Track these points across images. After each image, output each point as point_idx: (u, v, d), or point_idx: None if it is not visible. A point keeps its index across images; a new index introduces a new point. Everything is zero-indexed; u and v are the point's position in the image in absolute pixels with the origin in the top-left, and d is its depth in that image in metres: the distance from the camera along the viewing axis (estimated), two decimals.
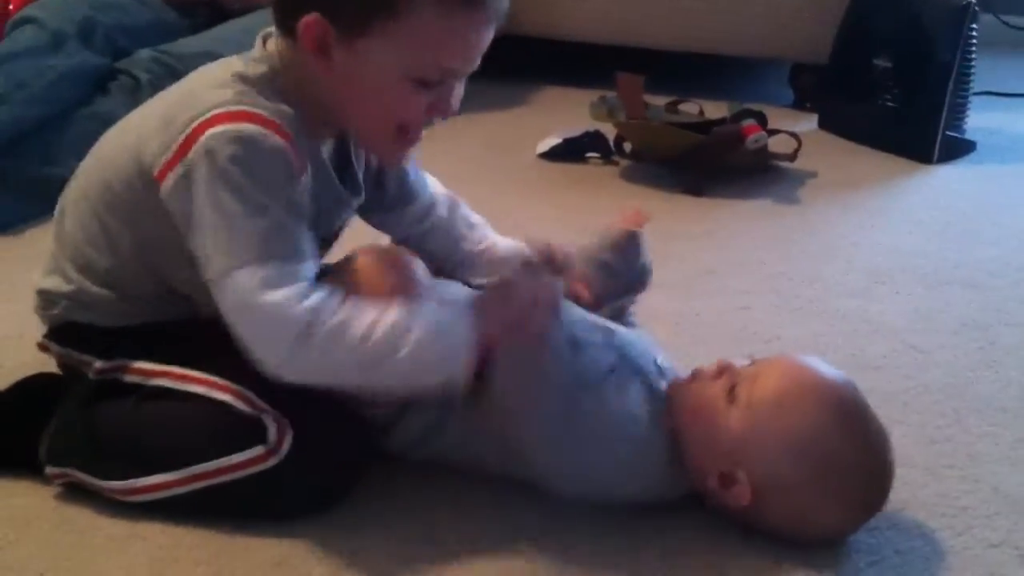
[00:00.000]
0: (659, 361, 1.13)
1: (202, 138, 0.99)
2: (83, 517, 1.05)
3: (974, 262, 1.77)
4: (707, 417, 1.04)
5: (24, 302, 1.18)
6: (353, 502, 1.08)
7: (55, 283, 1.13)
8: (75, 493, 1.08)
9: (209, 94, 1.02)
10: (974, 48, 2.28)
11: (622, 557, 1.02)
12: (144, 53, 1.99)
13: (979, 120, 2.44)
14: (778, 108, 2.55)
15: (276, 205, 0.99)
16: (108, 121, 1.46)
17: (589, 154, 2.24)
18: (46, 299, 1.14)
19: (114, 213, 1.08)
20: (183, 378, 1.07)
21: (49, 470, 1.08)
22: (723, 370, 1.06)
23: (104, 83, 1.95)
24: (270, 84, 1.04)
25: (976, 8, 2.24)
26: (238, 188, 0.98)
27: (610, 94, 2.18)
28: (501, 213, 1.36)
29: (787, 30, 2.60)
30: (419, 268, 1.14)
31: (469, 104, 1.23)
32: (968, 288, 1.66)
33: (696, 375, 1.08)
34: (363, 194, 1.18)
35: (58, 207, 1.16)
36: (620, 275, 1.24)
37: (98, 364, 1.10)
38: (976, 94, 2.41)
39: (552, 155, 2.22)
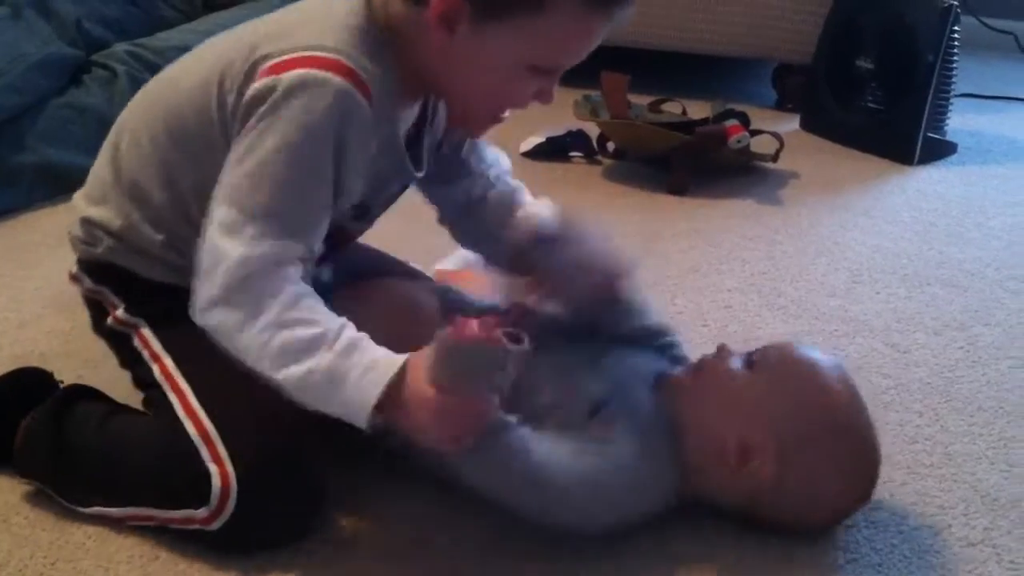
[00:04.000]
0: (655, 375, 1.11)
1: (287, 74, 0.95)
2: (62, 512, 1.05)
3: (955, 262, 1.78)
4: (726, 386, 1.06)
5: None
6: (340, 500, 1.08)
7: (104, 215, 1.08)
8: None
9: (306, 31, 0.98)
10: (956, 50, 2.29)
11: (608, 556, 1.02)
12: (120, 46, 1.98)
13: (960, 122, 2.46)
14: (761, 108, 2.55)
15: (320, 174, 0.96)
16: (81, 111, 1.46)
17: (572, 153, 2.24)
18: (90, 232, 1.10)
19: (179, 145, 1.04)
20: (168, 379, 1.05)
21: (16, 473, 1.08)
22: (728, 354, 1.09)
23: (78, 75, 1.94)
24: (371, 37, 0.99)
25: (958, 10, 2.25)
26: (297, 150, 0.94)
27: (594, 93, 2.17)
28: None
29: (771, 31, 2.60)
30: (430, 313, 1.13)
31: None
32: (949, 288, 1.67)
33: (700, 363, 1.10)
34: (424, 170, 1.14)
35: (113, 132, 1.11)
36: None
37: (120, 312, 1.09)
38: (958, 96, 2.42)
39: (535, 154, 2.22)
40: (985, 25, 3.37)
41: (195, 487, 0.98)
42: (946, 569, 1.03)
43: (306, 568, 0.99)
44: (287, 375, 0.92)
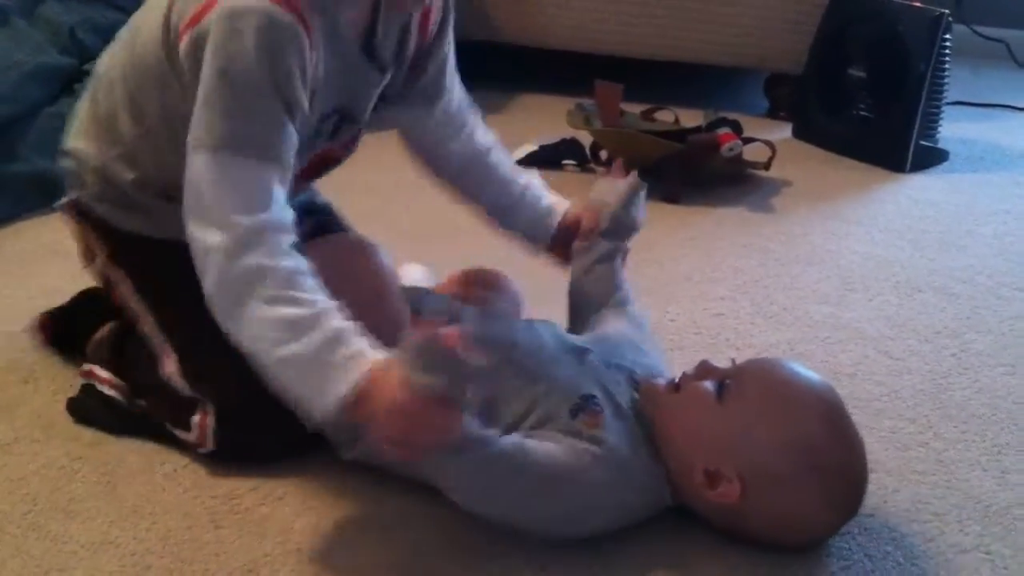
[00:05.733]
0: (636, 374, 1.12)
1: (218, 6, 0.97)
2: (54, 524, 1.04)
3: (947, 270, 1.78)
4: (696, 414, 1.04)
5: None
6: (324, 506, 1.08)
7: (85, 148, 1.16)
8: (47, 501, 1.07)
9: None
10: (947, 58, 2.29)
11: (600, 563, 1.02)
12: None
13: (952, 130, 2.46)
14: (753, 117, 2.56)
15: (272, 95, 0.98)
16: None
17: (565, 161, 2.24)
18: (74, 170, 1.18)
19: (140, 80, 1.10)
20: (153, 336, 1.16)
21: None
22: (707, 372, 1.07)
23: (71, 84, 1.94)
24: None
25: (949, 19, 2.26)
26: (240, 66, 0.97)
27: (587, 101, 2.18)
28: (476, 219, 1.36)
29: (763, 40, 2.61)
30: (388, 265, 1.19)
31: None
32: (941, 295, 1.68)
33: (680, 380, 1.09)
34: (389, 70, 1.15)
35: (94, 75, 1.19)
36: (620, 222, 1.28)
37: (102, 259, 1.19)
38: (949, 104, 2.42)
39: (528, 162, 2.21)
40: (977, 33, 3.39)
41: (184, 409, 1.12)
42: (939, 575, 1.03)
43: (285, 572, 0.99)
44: (270, 352, 0.95)
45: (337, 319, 0.96)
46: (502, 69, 2.70)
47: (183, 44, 1.02)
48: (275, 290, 0.95)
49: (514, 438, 1.01)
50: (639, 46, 2.67)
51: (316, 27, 1.00)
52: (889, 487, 1.15)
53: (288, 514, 1.07)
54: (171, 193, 1.09)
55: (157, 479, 1.12)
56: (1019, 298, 1.68)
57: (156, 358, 1.16)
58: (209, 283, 0.97)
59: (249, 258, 0.95)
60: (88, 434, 1.19)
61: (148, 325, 1.17)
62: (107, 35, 1.49)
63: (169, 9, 1.05)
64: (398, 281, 1.22)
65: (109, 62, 1.17)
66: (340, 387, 0.93)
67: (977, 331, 1.56)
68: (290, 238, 0.98)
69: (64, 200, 1.21)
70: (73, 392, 1.23)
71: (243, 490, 1.10)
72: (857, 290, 1.69)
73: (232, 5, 0.97)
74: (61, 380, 1.27)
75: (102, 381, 1.22)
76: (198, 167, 0.98)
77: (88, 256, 1.22)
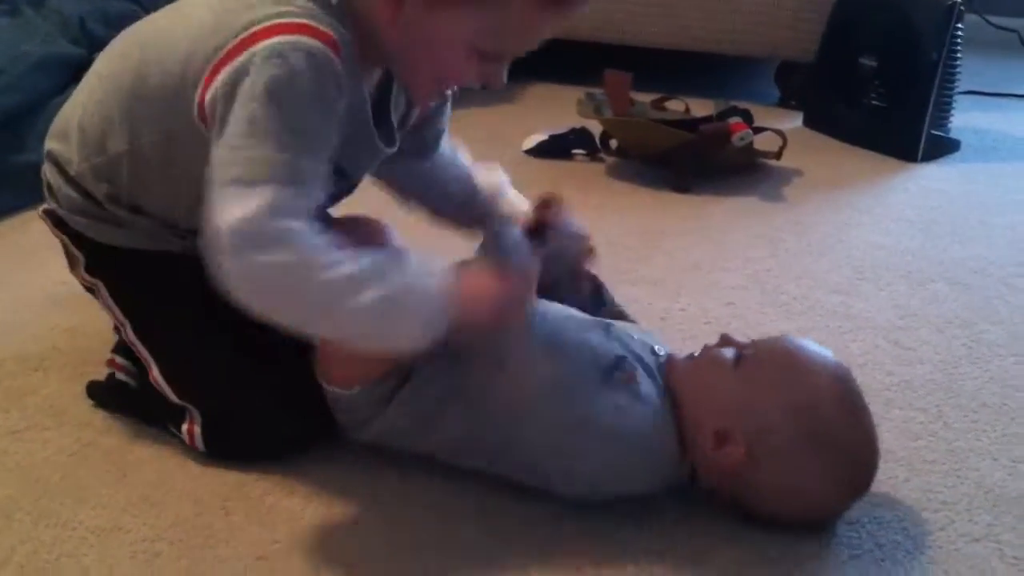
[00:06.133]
0: (656, 348, 1.14)
1: (260, 44, 0.96)
2: (65, 510, 1.05)
3: (958, 260, 1.77)
4: (711, 375, 1.06)
5: None
6: (332, 495, 1.08)
7: (64, 150, 1.14)
8: (57, 487, 1.08)
9: (269, 2, 0.99)
10: (959, 47, 2.28)
11: (609, 545, 1.03)
12: None
13: (964, 119, 2.45)
14: (764, 106, 2.55)
15: (309, 134, 0.96)
16: None
17: (575, 151, 2.24)
18: (51, 178, 1.16)
19: (142, 105, 1.07)
20: (134, 345, 1.15)
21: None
22: (727, 342, 1.10)
23: (80, 74, 1.94)
24: (331, 7, 1.00)
25: (962, 8, 2.25)
26: (280, 106, 0.94)
27: (597, 91, 2.17)
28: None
29: (774, 29, 2.60)
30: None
31: (455, 100, 1.24)
32: (952, 285, 1.67)
33: (701, 350, 1.11)
34: (396, 144, 1.16)
35: (86, 77, 1.18)
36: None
37: (82, 270, 1.17)
38: (961, 93, 2.42)
39: (538, 152, 2.22)
40: (989, 22, 3.37)
41: (175, 413, 1.13)
42: (949, 565, 1.03)
43: (296, 560, 0.99)
44: (357, 304, 0.92)
45: (388, 259, 0.97)
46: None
47: (214, 83, 0.98)
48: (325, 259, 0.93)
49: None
50: (649, 35, 2.66)
51: (349, 84, 1.00)
52: (899, 476, 1.15)
53: (297, 503, 1.07)
54: (141, 208, 1.11)
55: (167, 467, 1.12)
56: None
57: (145, 362, 1.15)
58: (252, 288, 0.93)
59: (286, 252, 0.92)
60: (98, 421, 1.19)
61: (129, 333, 1.16)
62: (117, 25, 1.50)
63: (189, 52, 1.01)
64: None
65: (107, 69, 1.14)
66: (435, 296, 0.95)
67: (989, 321, 1.55)
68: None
69: (41, 209, 1.20)
70: (83, 380, 1.23)
71: (252, 479, 1.10)
72: (868, 280, 1.68)
73: (284, 39, 0.95)
74: (71, 368, 1.28)
75: (119, 368, 1.22)
76: (227, 205, 0.92)
77: (71, 262, 1.20)
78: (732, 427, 1.01)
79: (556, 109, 2.38)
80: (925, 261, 1.76)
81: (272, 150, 0.94)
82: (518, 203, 1.30)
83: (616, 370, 1.07)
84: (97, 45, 1.98)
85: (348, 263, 0.93)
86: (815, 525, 1.06)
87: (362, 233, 1.17)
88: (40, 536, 1.01)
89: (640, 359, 1.10)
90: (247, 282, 0.92)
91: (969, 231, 1.91)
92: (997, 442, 1.24)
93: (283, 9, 0.98)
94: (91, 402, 1.22)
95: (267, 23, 0.97)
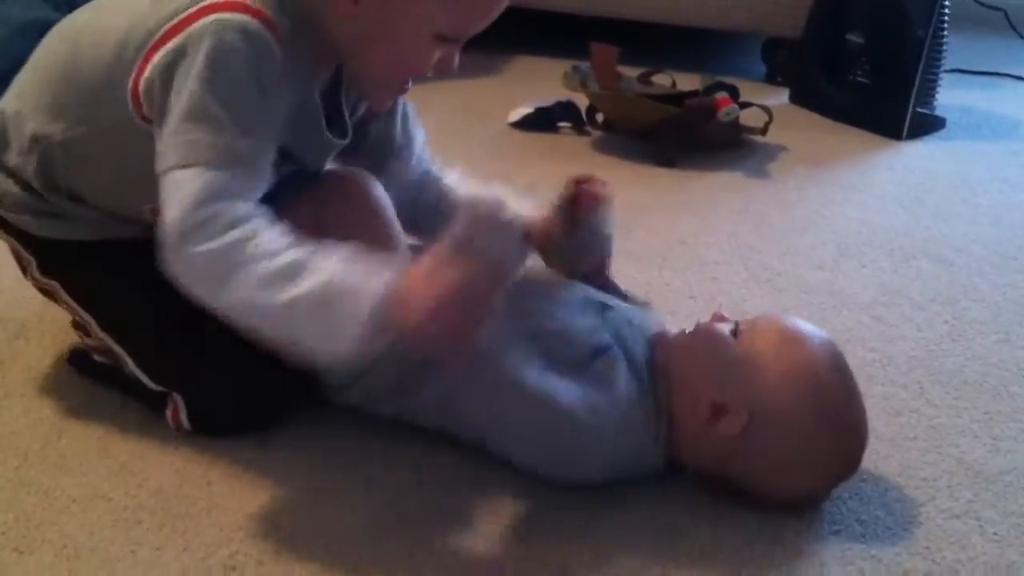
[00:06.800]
0: (651, 334, 1.13)
1: (196, 24, 0.95)
2: (46, 478, 1.04)
3: (941, 237, 1.78)
4: (709, 348, 1.07)
5: None
6: (314, 464, 1.08)
7: (20, 108, 1.11)
8: (37, 456, 1.07)
9: None
10: (946, 25, 2.28)
11: (594, 527, 1.03)
12: None
13: (949, 97, 2.45)
14: (750, 82, 2.55)
15: (247, 115, 0.95)
16: None
17: (561, 124, 2.23)
18: None
19: (82, 92, 1.05)
20: (103, 339, 1.13)
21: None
22: (720, 318, 1.10)
23: None
24: (280, 1, 0.98)
25: None
26: (216, 86, 0.93)
27: (583, 64, 2.16)
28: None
29: (761, 4, 2.59)
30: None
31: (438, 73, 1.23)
32: (935, 263, 1.68)
33: (694, 326, 1.11)
34: (348, 136, 1.14)
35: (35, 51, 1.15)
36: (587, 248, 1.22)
37: (36, 273, 1.14)
38: (947, 71, 2.41)
39: (523, 124, 2.21)
40: (976, 1, 3.37)
41: (158, 399, 1.12)
42: (930, 540, 1.03)
43: (280, 526, 0.99)
44: (271, 304, 0.89)
45: (328, 255, 0.92)
46: (497, 31, 2.67)
47: (151, 64, 0.97)
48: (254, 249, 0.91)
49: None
50: (636, 8, 2.65)
51: (293, 65, 0.98)
52: (881, 453, 1.16)
53: (279, 473, 1.07)
54: (81, 197, 1.09)
55: (150, 436, 1.11)
56: (1013, 267, 1.68)
57: (118, 357, 1.13)
58: (228, 297, 0.92)
59: (225, 237, 0.90)
60: (81, 391, 1.18)
61: (95, 329, 1.13)
62: None
63: (128, 31, 1.00)
64: (391, 210, 1.18)
65: (43, 59, 1.13)
66: (369, 299, 0.88)
67: (971, 299, 1.56)
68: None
69: None
70: (65, 348, 1.23)
71: (235, 449, 1.10)
72: (852, 256, 1.68)
73: (220, 16, 0.94)
74: (52, 336, 1.27)
75: (92, 350, 1.19)
76: (173, 190, 0.92)
77: (22, 267, 1.17)
78: (732, 398, 1.02)
79: (541, 82, 2.37)
80: (909, 238, 1.77)
81: (208, 132, 0.93)
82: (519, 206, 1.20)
83: (596, 357, 1.07)
84: None
85: (283, 255, 0.90)
86: (802, 504, 1.06)
87: (346, 192, 1.14)
88: (21, 503, 1.01)
89: (628, 349, 1.09)
90: (185, 272, 0.92)
91: (953, 209, 1.92)
92: (978, 419, 1.24)
93: None
94: (72, 370, 1.21)
95: (204, 3, 0.96)
